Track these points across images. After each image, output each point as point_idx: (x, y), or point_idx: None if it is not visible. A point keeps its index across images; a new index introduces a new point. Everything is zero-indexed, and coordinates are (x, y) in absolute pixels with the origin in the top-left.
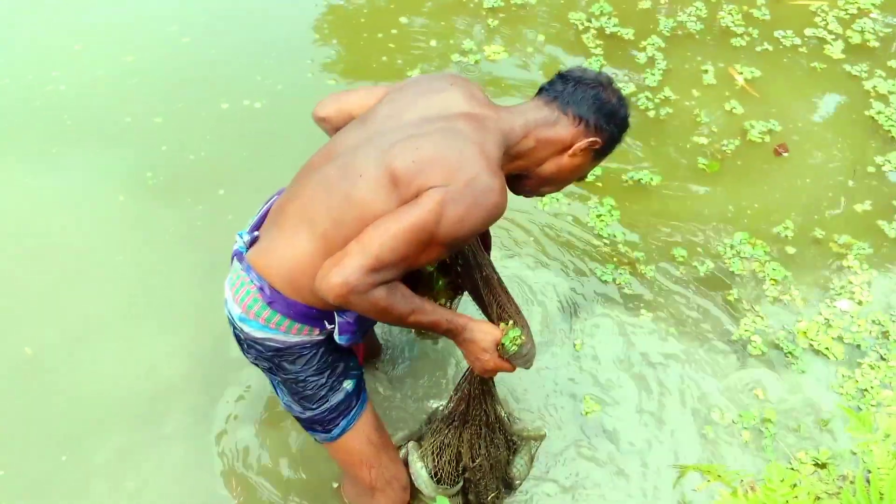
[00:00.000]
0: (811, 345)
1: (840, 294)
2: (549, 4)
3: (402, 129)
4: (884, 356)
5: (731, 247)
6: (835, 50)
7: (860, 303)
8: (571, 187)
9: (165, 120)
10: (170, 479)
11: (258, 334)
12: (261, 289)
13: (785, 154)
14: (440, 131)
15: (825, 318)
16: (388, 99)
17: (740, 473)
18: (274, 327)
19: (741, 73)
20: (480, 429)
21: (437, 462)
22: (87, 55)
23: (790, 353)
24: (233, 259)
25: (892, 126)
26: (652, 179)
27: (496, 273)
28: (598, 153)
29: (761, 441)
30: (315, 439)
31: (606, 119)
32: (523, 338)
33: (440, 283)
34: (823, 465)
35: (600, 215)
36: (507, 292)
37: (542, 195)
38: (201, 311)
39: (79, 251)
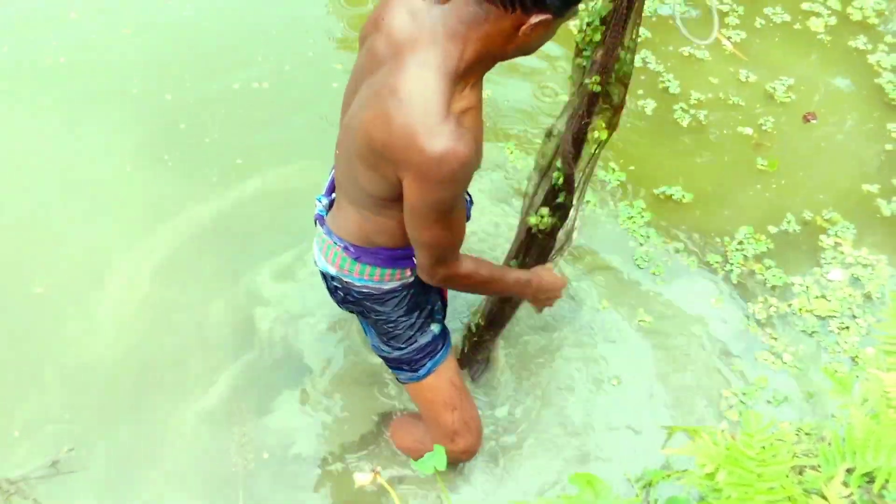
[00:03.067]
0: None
1: (830, 264)
2: None
3: (358, 99)
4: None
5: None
6: (831, 22)
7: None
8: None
9: (175, 97)
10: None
11: (356, 285)
12: (346, 248)
13: (814, 121)
14: (381, 97)
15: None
16: (366, 43)
17: (725, 432)
18: (368, 278)
19: (729, 38)
20: None
21: None
22: (84, 25)
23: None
24: (315, 222)
25: None
26: (683, 196)
27: None
28: (559, 17)
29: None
30: (399, 379)
31: None
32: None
33: None
34: (807, 434)
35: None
36: None
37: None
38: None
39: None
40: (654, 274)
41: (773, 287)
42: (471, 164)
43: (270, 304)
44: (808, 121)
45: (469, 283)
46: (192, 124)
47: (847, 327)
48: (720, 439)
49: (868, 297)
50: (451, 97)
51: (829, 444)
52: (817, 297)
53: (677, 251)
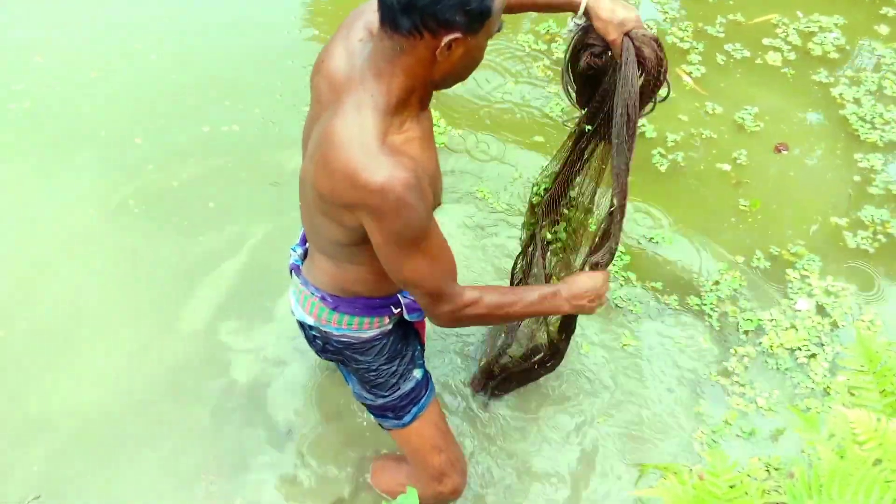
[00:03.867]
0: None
1: (797, 293)
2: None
3: (308, 149)
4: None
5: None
6: (791, 57)
7: (817, 303)
8: None
9: (146, 141)
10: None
11: (335, 335)
12: (323, 298)
13: (785, 152)
14: (320, 144)
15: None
16: (313, 88)
17: (696, 469)
18: (346, 327)
19: (690, 74)
20: None
21: None
22: (50, 68)
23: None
24: (291, 272)
25: (867, 129)
26: (664, 239)
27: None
28: (472, 34)
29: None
30: (383, 426)
31: (443, 13)
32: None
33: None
34: (776, 469)
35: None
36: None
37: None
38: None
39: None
40: (632, 311)
41: (746, 332)
42: (417, 186)
43: (247, 352)
44: (780, 151)
45: (479, 315)
46: (162, 169)
47: (814, 355)
48: (688, 478)
49: (834, 324)
50: (385, 131)
51: (796, 480)
52: (786, 329)
53: (655, 291)
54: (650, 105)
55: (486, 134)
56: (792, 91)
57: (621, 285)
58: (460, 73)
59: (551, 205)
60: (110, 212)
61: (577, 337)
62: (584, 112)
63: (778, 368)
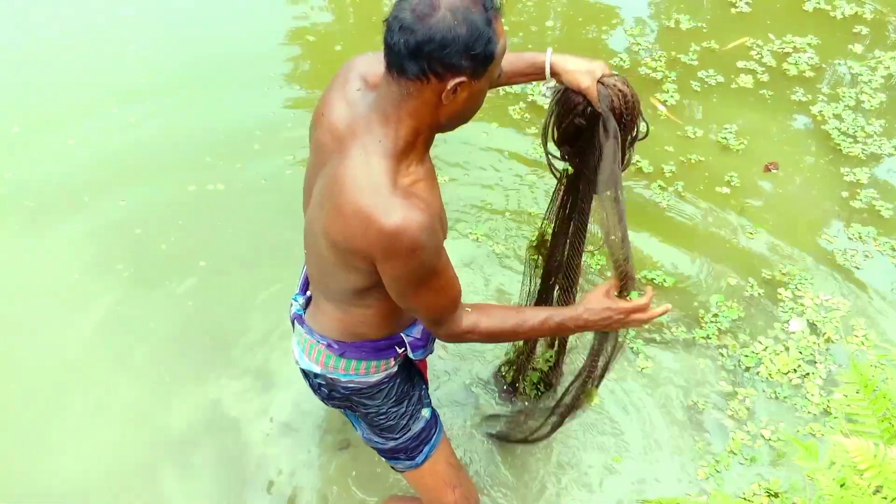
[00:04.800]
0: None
1: (789, 314)
2: None
3: (314, 197)
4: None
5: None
6: (765, 79)
7: (812, 323)
8: None
9: (131, 203)
10: None
11: (342, 381)
12: (329, 345)
13: (775, 171)
14: (331, 192)
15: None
16: (313, 139)
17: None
18: (354, 373)
19: (664, 102)
20: None
21: None
22: (28, 138)
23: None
24: (293, 322)
25: (849, 143)
26: (665, 280)
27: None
28: (477, 78)
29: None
30: (396, 469)
31: (449, 58)
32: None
33: None
34: (776, 495)
35: None
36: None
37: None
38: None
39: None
40: (631, 349)
41: (748, 368)
42: (430, 226)
43: (251, 415)
44: (769, 170)
45: (478, 339)
46: (149, 231)
47: (808, 374)
48: None
49: (828, 340)
50: (395, 175)
51: None
52: (779, 354)
53: (661, 326)
54: (630, 141)
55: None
56: (771, 110)
57: None
58: (464, 115)
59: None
60: (99, 276)
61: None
62: (566, 168)
63: (777, 397)
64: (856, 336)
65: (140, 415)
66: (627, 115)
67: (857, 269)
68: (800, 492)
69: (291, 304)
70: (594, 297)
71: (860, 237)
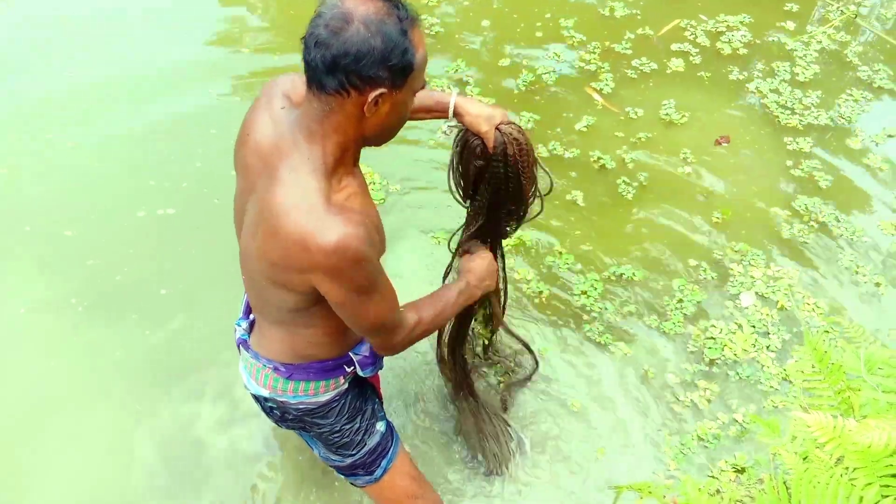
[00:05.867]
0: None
1: (740, 288)
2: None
3: (247, 223)
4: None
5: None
6: (698, 61)
7: (761, 295)
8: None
9: (77, 233)
10: None
11: (292, 403)
12: (275, 368)
13: (726, 144)
14: (264, 216)
15: (737, 324)
16: (239, 162)
17: (669, 488)
18: (303, 394)
19: (599, 91)
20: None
21: None
22: None
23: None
24: (239, 347)
25: (787, 115)
26: (634, 274)
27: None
28: (397, 89)
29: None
30: (356, 485)
31: (366, 70)
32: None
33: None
34: (742, 471)
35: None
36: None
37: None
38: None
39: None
40: (600, 342)
41: (711, 361)
42: (368, 239)
43: (225, 443)
44: (720, 144)
45: (424, 329)
46: (102, 262)
47: (765, 347)
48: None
49: (782, 308)
50: (328, 191)
51: (765, 488)
52: (734, 332)
53: (630, 315)
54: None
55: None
56: (708, 90)
57: (594, 318)
58: (390, 128)
59: None
60: (54, 313)
61: (555, 361)
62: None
63: (739, 377)
64: (807, 304)
65: (115, 445)
66: (522, 162)
67: (805, 240)
68: (765, 466)
69: (235, 330)
70: (467, 262)
71: (807, 210)
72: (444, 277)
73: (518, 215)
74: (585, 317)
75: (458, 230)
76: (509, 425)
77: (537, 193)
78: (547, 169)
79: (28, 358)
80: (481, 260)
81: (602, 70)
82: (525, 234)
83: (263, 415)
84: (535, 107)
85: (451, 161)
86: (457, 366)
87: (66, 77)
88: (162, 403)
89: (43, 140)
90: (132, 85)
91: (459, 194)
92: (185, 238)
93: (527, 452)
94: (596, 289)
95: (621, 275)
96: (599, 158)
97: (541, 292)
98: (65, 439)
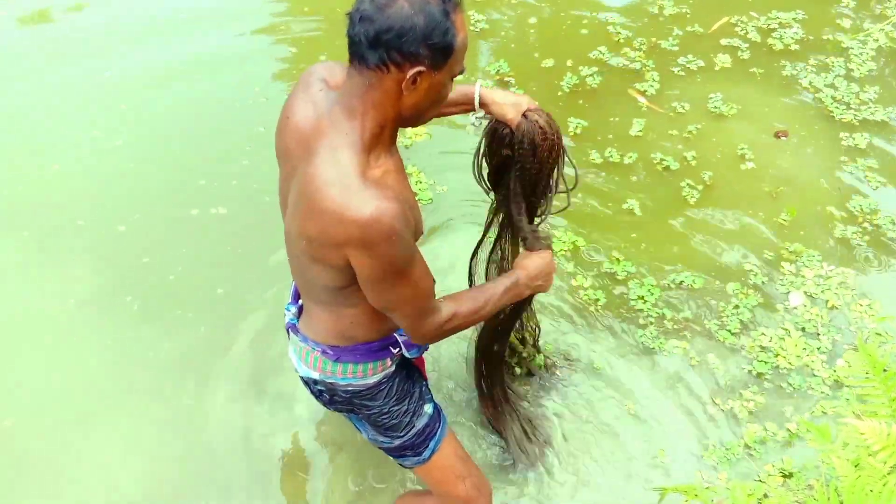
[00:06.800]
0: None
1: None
2: None
3: (290, 204)
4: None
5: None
6: (746, 56)
7: (810, 295)
8: None
9: (130, 229)
10: None
11: (341, 385)
12: (324, 351)
13: (785, 139)
14: (303, 192)
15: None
16: (280, 147)
17: (716, 491)
18: (351, 376)
19: (643, 93)
20: None
21: None
22: (10, 164)
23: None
24: (288, 331)
25: (843, 110)
26: (694, 282)
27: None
28: (436, 69)
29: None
30: (404, 465)
31: (407, 46)
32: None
33: None
34: (790, 475)
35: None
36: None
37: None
38: None
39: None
40: (655, 349)
41: (759, 375)
42: (402, 217)
43: (269, 435)
44: (780, 138)
45: (459, 325)
46: (156, 258)
47: (815, 349)
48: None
49: (833, 307)
50: (365, 167)
51: (815, 493)
52: (784, 339)
53: (686, 320)
54: (557, 176)
55: None
56: (760, 84)
57: (650, 322)
58: (426, 108)
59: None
60: (106, 307)
61: (597, 364)
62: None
63: (791, 386)
64: (859, 305)
65: (162, 444)
66: (548, 149)
67: (857, 244)
68: (812, 471)
69: (285, 314)
70: (523, 258)
71: (862, 211)
72: (472, 257)
73: (541, 206)
74: (641, 321)
75: (489, 221)
76: (535, 423)
77: (564, 184)
78: (573, 160)
79: (78, 349)
80: (538, 258)
81: (647, 68)
82: (579, 239)
83: (316, 403)
84: (581, 112)
85: (478, 149)
86: (493, 362)
87: (107, 75)
88: (216, 399)
89: (91, 136)
90: (178, 81)
91: (485, 184)
92: (238, 236)
93: (554, 448)
94: (653, 294)
95: (681, 282)
96: (662, 160)
97: (597, 300)
98: (114, 432)
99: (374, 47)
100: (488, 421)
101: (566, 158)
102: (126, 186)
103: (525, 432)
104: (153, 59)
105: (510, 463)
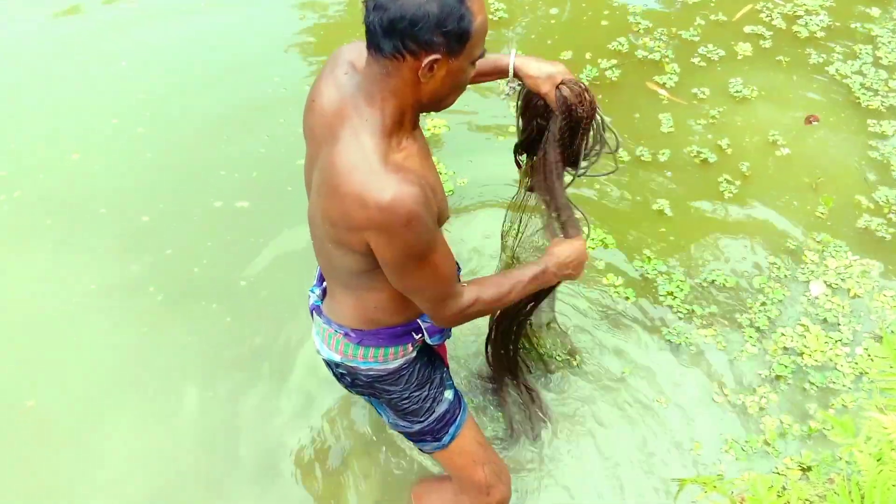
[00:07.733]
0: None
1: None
2: None
3: (313, 187)
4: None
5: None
6: (768, 45)
7: (830, 285)
8: None
9: (154, 219)
10: None
11: (362, 368)
12: (346, 334)
13: (816, 123)
14: (325, 177)
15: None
16: (307, 129)
17: (734, 483)
18: (373, 360)
19: (663, 85)
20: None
21: None
22: (30, 153)
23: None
24: (312, 313)
25: (870, 96)
26: (727, 281)
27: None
28: (454, 56)
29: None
30: (424, 450)
31: (421, 34)
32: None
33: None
34: (809, 469)
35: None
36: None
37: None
38: None
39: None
40: (681, 344)
41: (778, 377)
42: (424, 200)
43: (293, 429)
44: (811, 122)
45: (481, 311)
46: (180, 250)
47: (837, 341)
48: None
49: (856, 296)
50: (386, 152)
51: (836, 487)
52: (804, 335)
53: (713, 316)
54: (591, 145)
55: None
56: (786, 71)
57: (679, 318)
58: (446, 95)
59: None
60: (129, 295)
61: (620, 355)
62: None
63: (812, 383)
64: (883, 296)
65: (190, 427)
66: (583, 118)
67: (882, 236)
68: (831, 465)
69: (309, 296)
70: (555, 245)
71: (887, 202)
72: (503, 237)
73: (574, 171)
74: (669, 316)
75: (521, 198)
76: (542, 408)
77: (605, 149)
78: (612, 128)
79: (101, 339)
80: (570, 246)
81: (666, 59)
82: (608, 237)
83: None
84: (603, 107)
85: (518, 120)
86: (507, 347)
87: (124, 66)
88: (238, 390)
89: (112, 126)
90: (198, 73)
91: (519, 152)
92: (260, 228)
93: (549, 428)
94: (682, 290)
95: (713, 280)
96: (699, 153)
97: (627, 298)
98: (136, 419)
99: (388, 36)
100: (490, 397)
101: (606, 126)
102: (148, 177)
103: (529, 406)
104: (171, 47)
105: (506, 443)
